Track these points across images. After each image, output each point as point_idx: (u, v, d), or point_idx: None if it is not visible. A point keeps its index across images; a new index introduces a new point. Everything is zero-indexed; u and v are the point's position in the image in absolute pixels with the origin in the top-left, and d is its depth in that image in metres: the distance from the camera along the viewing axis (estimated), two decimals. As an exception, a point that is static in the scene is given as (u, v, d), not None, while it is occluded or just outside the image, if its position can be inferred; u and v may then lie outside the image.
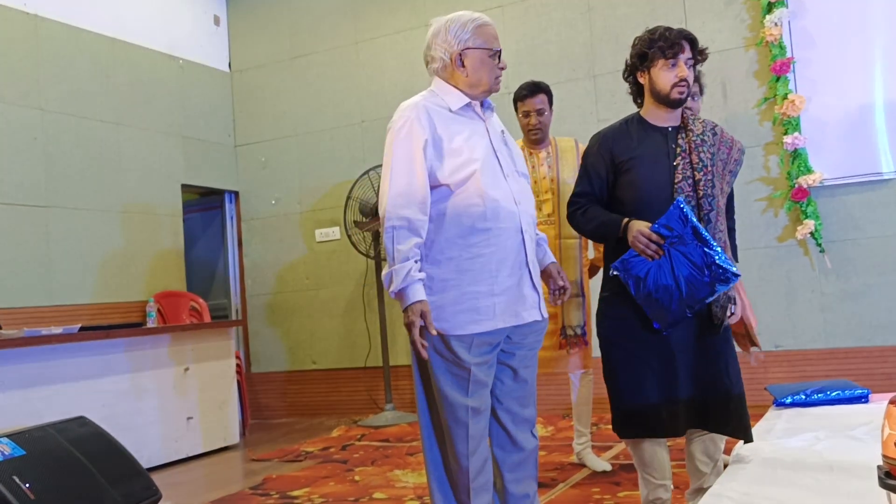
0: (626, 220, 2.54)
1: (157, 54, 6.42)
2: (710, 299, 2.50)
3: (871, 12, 4.99)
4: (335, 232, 6.63)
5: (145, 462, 4.55)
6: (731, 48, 5.37)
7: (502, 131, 2.52)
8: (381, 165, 6.38)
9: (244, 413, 6.08)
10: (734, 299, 2.65)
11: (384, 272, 2.37)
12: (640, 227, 2.48)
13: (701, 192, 2.56)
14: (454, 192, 2.34)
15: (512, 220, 2.38)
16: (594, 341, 3.10)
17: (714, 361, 2.57)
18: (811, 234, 5.06)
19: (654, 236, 2.46)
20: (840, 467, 2.46)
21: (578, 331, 3.78)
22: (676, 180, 2.56)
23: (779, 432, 2.99)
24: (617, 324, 2.62)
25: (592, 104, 5.73)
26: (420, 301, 2.28)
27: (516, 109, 3.84)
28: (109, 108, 5.94)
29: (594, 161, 2.65)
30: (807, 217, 5.07)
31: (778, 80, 5.16)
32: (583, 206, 2.66)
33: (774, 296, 5.20)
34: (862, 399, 3.57)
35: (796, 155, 5.11)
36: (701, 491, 2.71)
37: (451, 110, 2.41)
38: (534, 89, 3.78)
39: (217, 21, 7.10)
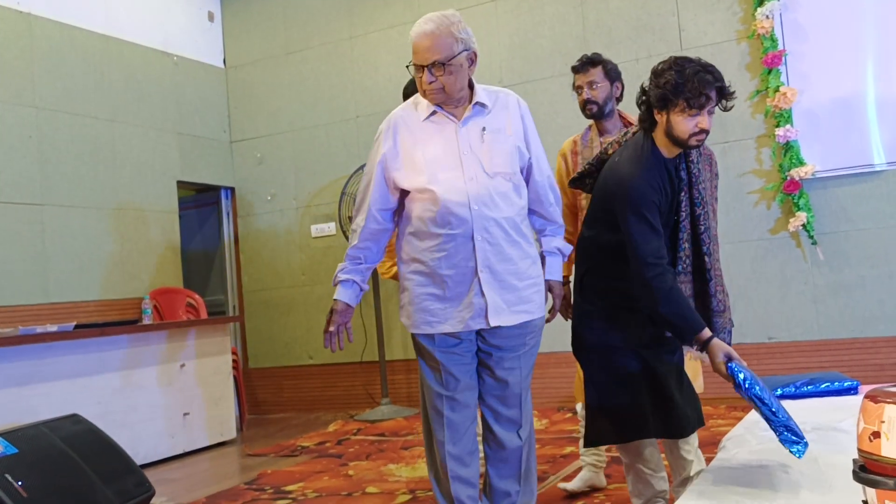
0: (707, 334, 2.33)
1: (151, 51, 6.42)
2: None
3: (862, 5, 5.00)
4: (331, 227, 6.64)
5: (141, 458, 4.59)
6: (722, 41, 5.38)
7: (483, 129, 2.47)
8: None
9: (241, 408, 6.11)
10: (732, 324, 2.69)
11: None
12: (720, 364, 2.28)
13: (701, 228, 2.50)
14: (414, 197, 2.46)
15: (464, 225, 2.40)
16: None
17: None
18: (803, 226, 5.07)
19: (732, 380, 2.28)
20: (825, 461, 2.48)
21: None
22: (681, 218, 2.48)
23: (766, 424, 3.02)
24: (601, 334, 2.61)
25: (585, 98, 5.73)
26: (337, 300, 2.58)
27: None
28: (104, 106, 5.95)
29: (652, 214, 2.40)
30: (799, 209, 5.08)
31: (770, 72, 5.17)
32: (671, 282, 2.38)
33: (767, 288, 5.21)
34: (851, 391, 3.59)
35: (788, 147, 5.12)
36: (687, 480, 2.74)
37: (420, 119, 2.49)
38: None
39: (211, 17, 7.10)
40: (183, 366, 5.17)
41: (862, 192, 4.99)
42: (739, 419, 3.29)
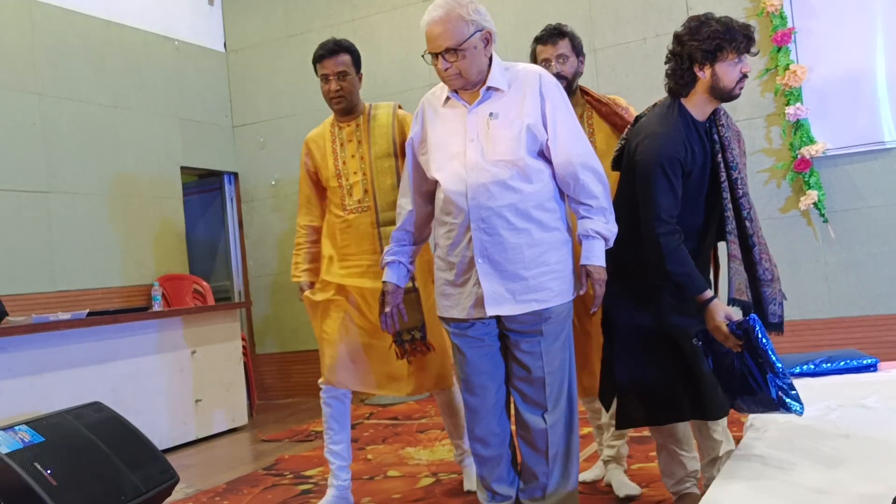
0: (709, 294, 2.40)
1: (152, 36, 6.36)
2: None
3: (872, -20, 4.98)
4: (336, 211, 6.61)
5: (156, 445, 4.58)
6: (731, 19, 5.33)
7: (490, 114, 2.42)
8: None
9: (251, 394, 6.10)
10: (784, 296, 2.67)
11: None
12: (719, 322, 2.35)
13: (739, 192, 2.50)
14: (438, 185, 2.52)
15: (461, 215, 2.42)
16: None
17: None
18: (814, 204, 5.07)
19: (733, 338, 2.34)
20: (856, 436, 2.49)
21: (417, 334, 3.14)
22: (720, 179, 2.48)
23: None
24: (630, 313, 2.61)
25: (593, 78, 5.71)
26: (387, 282, 2.65)
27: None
28: (106, 92, 5.90)
29: (675, 172, 2.42)
30: (809, 187, 5.08)
31: (779, 50, 5.15)
32: (678, 240, 2.42)
33: (778, 266, 5.20)
34: (871, 368, 3.60)
35: (798, 126, 5.11)
36: (715, 460, 2.74)
37: (441, 103, 2.53)
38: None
39: (211, 1, 7.03)
40: (194, 352, 5.15)
41: (873, 169, 4.98)
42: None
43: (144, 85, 6.24)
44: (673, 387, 2.57)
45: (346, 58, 3.16)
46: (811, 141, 5.07)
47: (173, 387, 4.98)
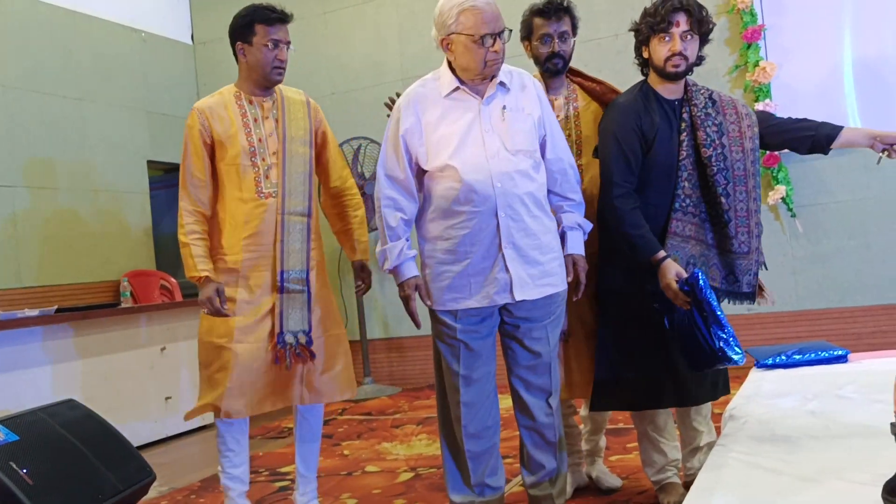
0: (661, 254, 2.50)
1: (118, 27, 6.24)
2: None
3: (839, -21, 5.07)
4: (307, 206, 6.55)
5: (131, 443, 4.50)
6: (701, 16, 5.40)
7: (504, 107, 2.49)
8: (353, 139, 6.31)
9: (221, 391, 6.01)
10: (763, 265, 2.71)
11: (378, 249, 2.57)
12: (670, 279, 2.46)
13: (714, 169, 2.57)
14: (435, 176, 2.47)
15: (487, 203, 2.42)
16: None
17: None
18: (782, 199, 5.16)
19: (682, 295, 2.45)
20: (835, 425, 2.53)
21: (303, 338, 2.88)
22: (681, 157, 2.57)
23: (767, 393, 3.05)
24: (624, 300, 2.65)
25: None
26: (414, 276, 2.51)
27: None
28: (72, 84, 5.77)
29: (628, 138, 2.56)
30: (778, 182, 5.16)
31: (749, 47, 5.22)
32: (633, 203, 2.55)
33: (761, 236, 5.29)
34: (842, 359, 3.67)
35: (767, 121, 5.19)
36: (697, 450, 2.78)
37: (441, 95, 2.49)
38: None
39: (179, -8, 6.92)
40: (164, 349, 5.08)
41: (840, 164, 5.08)
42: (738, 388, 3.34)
43: (111, 77, 6.12)
44: (653, 373, 2.61)
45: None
46: (780, 137, 5.14)
47: (143, 384, 4.90)
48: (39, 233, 5.37)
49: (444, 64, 2.54)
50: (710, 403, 2.87)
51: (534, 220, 2.49)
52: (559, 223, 2.60)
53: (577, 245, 2.59)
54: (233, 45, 2.93)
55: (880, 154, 2.64)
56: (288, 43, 2.92)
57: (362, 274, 3.05)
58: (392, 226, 2.51)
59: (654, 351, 2.62)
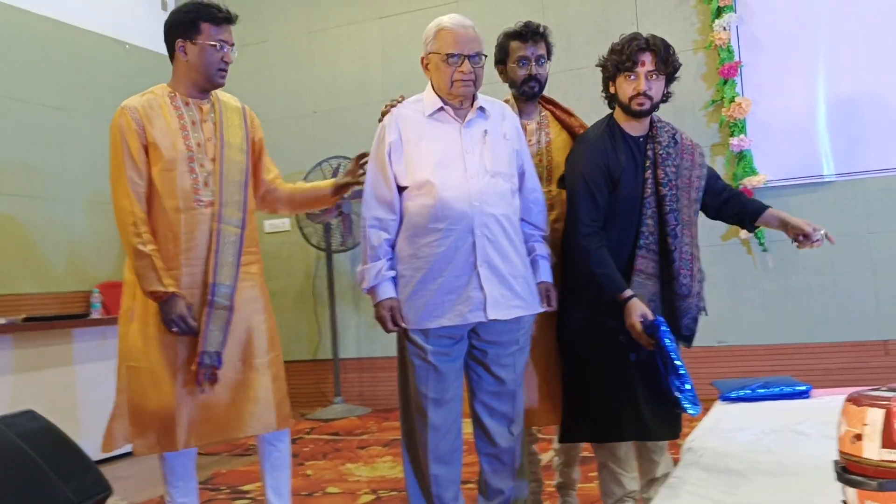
0: (628, 293, 2.50)
1: (102, 38, 6.26)
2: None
3: (816, 19, 5.16)
4: (285, 223, 6.56)
5: (90, 456, 4.45)
6: (680, 51, 5.38)
7: (485, 132, 2.53)
8: (334, 158, 6.31)
9: (190, 406, 5.97)
10: (704, 310, 2.74)
11: (359, 269, 2.58)
12: (635, 320, 2.47)
13: (666, 208, 2.60)
14: (413, 193, 2.48)
15: (463, 221, 2.44)
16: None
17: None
18: (754, 233, 5.20)
19: (645, 336, 2.47)
20: (788, 460, 2.56)
21: (215, 359, 2.69)
22: (645, 195, 2.60)
23: (727, 426, 3.09)
24: (580, 325, 2.67)
25: (545, 101, 5.79)
26: (389, 298, 2.49)
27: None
28: (53, 93, 5.77)
29: (594, 176, 2.56)
30: (750, 217, 5.21)
31: (725, 83, 5.30)
32: (599, 242, 2.55)
33: (718, 293, 5.33)
34: (804, 395, 3.70)
35: (742, 156, 5.26)
36: (653, 481, 2.79)
37: (424, 114, 2.53)
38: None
39: (164, 5, 6.94)
40: (133, 362, 5.03)
41: (811, 201, 5.15)
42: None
43: (93, 87, 6.12)
44: (616, 406, 2.62)
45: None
46: (753, 172, 5.21)
47: (110, 396, 4.84)
48: (12, 240, 5.34)
49: (428, 85, 2.59)
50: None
51: (508, 241, 2.52)
52: (531, 251, 2.65)
53: (549, 273, 2.65)
54: (171, 41, 2.75)
55: (793, 242, 2.75)
56: (232, 45, 2.79)
57: (342, 181, 2.94)
58: (374, 245, 2.51)
59: (616, 385, 2.63)
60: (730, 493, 2.19)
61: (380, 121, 2.67)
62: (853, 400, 1.79)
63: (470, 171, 2.46)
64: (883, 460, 1.64)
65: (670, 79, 2.66)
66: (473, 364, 2.57)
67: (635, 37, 2.59)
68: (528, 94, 2.86)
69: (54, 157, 5.73)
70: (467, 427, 2.64)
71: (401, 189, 2.52)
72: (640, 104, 2.56)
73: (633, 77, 2.56)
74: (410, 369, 2.56)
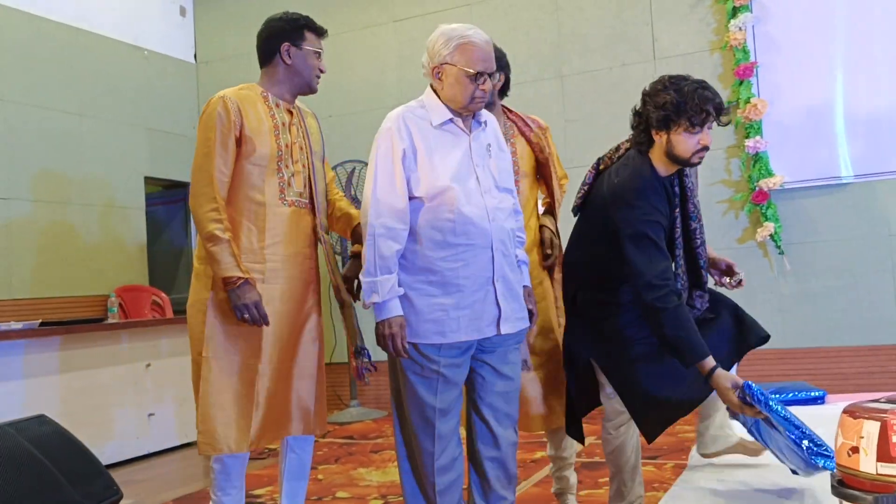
0: (710, 364, 2.32)
1: (121, 45, 6.33)
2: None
3: (833, 19, 5.10)
4: (301, 227, 6.58)
5: (106, 459, 4.51)
6: (695, 52, 5.44)
7: (489, 145, 2.52)
8: (349, 161, 6.33)
9: (207, 409, 6.01)
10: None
11: (366, 279, 2.42)
12: (732, 398, 2.29)
13: (697, 241, 2.56)
14: (427, 206, 2.41)
15: (483, 237, 2.42)
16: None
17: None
18: (770, 236, 5.15)
19: (748, 409, 2.30)
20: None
21: (367, 353, 2.94)
22: (675, 234, 2.52)
23: (738, 431, 3.07)
24: (590, 347, 2.67)
25: (560, 105, 5.77)
26: (399, 315, 2.39)
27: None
28: (72, 99, 5.85)
29: (655, 225, 2.42)
30: (767, 219, 5.16)
31: (741, 83, 5.24)
32: (676, 301, 2.36)
33: (733, 296, 5.26)
34: (819, 400, 3.66)
35: (757, 158, 5.20)
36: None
37: (432, 124, 2.45)
38: None
39: (183, 12, 7.01)
40: (149, 365, 5.08)
41: (829, 203, 5.08)
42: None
43: (112, 93, 6.20)
44: (670, 382, 2.55)
45: None
46: (769, 174, 5.16)
47: (126, 400, 4.91)
48: (33, 245, 5.42)
49: (430, 93, 2.50)
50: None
51: (512, 255, 2.54)
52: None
53: (528, 278, 2.66)
54: (275, 45, 2.82)
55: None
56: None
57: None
58: (385, 256, 2.37)
59: (659, 366, 2.58)
60: (737, 497, 2.18)
61: None
62: (849, 412, 1.77)
63: (483, 187, 2.45)
64: (880, 474, 1.62)
65: None
66: (478, 367, 2.53)
67: (701, 86, 2.42)
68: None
69: (74, 163, 5.81)
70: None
71: (411, 198, 2.43)
72: (701, 158, 2.46)
73: (699, 131, 2.40)
74: (415, 380, 2.48)
